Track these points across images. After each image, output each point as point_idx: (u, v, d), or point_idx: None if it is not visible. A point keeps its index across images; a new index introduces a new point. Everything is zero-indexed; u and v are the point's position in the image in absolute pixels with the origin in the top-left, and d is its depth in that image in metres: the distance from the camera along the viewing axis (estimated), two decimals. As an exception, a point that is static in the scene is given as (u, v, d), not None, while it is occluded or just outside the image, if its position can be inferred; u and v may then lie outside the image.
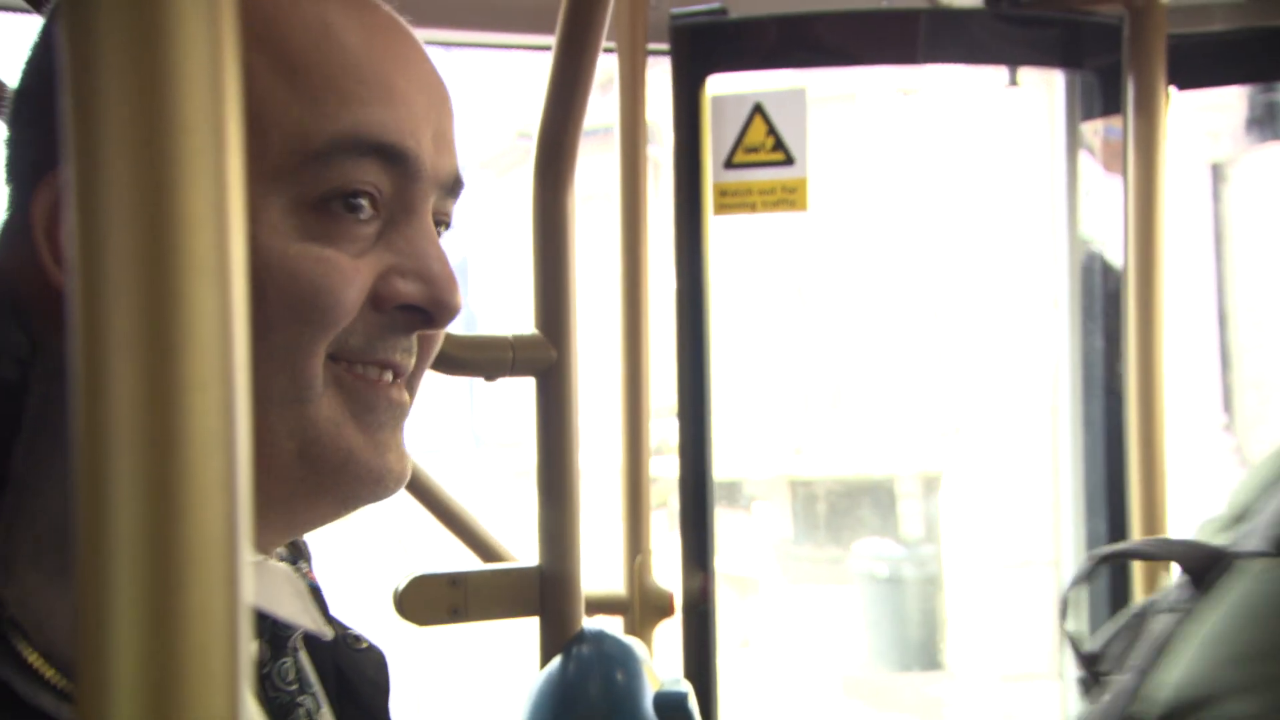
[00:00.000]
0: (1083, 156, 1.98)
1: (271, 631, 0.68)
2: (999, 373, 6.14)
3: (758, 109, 1.89)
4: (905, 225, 6.85)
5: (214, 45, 0.32)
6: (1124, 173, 1.80)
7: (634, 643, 1.32)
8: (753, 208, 1.93)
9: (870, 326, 7.04)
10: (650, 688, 1.25)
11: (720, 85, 1.90)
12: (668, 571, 1.81)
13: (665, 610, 1.74)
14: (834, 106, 6.62)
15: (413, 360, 0.66)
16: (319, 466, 0.61)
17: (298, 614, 0.65)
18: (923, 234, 6.78)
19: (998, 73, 2.00)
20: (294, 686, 0.68)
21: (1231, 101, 4.91)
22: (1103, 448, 1.94)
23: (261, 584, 0.63)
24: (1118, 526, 1.88)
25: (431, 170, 0.65)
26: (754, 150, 1.91)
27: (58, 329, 0.57)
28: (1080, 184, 1.97)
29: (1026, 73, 1.98)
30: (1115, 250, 1.92)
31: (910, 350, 7.03)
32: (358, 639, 0.77)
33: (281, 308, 0.60)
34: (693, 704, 1.21)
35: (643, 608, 1.71)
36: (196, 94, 0.32)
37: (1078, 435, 1.95)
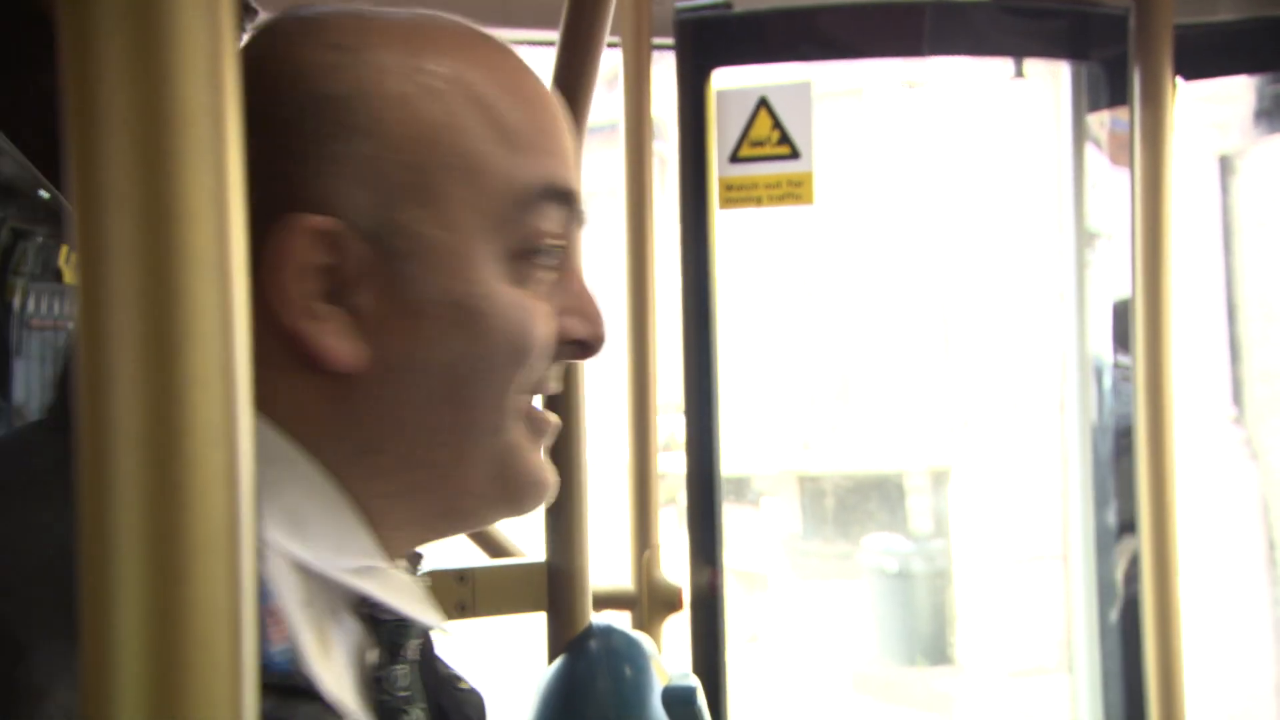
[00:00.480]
0: (1089, 149, 1.98)
1: (390, 639, 0.71)
2: (1007, 366, 6.13)
3: (763, 103, 1.89)
4: (912, 219, 6.84)
5: (214, 40, 0.32)
6: (1130, 164, 1.79)
7: (642, 638, 1.32)
8: (758, 202, 1.93)
9: (879, 320, 7.04)
10: (658, 682, 1.25)
11: (725, 79, 1.90)
12: (676, 566, 1.81)
13: (674, 605, 1.74)
14: (840, 102, 6.61)
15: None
16: (506, 486, 0.70)
17: (421, 613, 0.70)
18: (930, 227, 6.77)
19: (1004, 65, 2.00)
20: (405, 693, 0.71)
21: (1239, 93, 4.90)
22: (1111, 441, 1.94)
23: (388, 586, 0.69)
24: (1126, 520, 1.88)
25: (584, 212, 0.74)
26: (759, 144, 1.91)
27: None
28: (1086, 176, 1.97)
29: (1032, 64, 1.98)
30: (1122, 243, 1.91)
31: (919, 344, 7.02)
32: (460, 679, 0.80)
33: (499, 350, 0.67)
34: (701, 699, 1.20)
35: (651, 603, 1.71)
36: (196, 89, 0.32)
37: (1085, 429, 1.94)
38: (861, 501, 7.91)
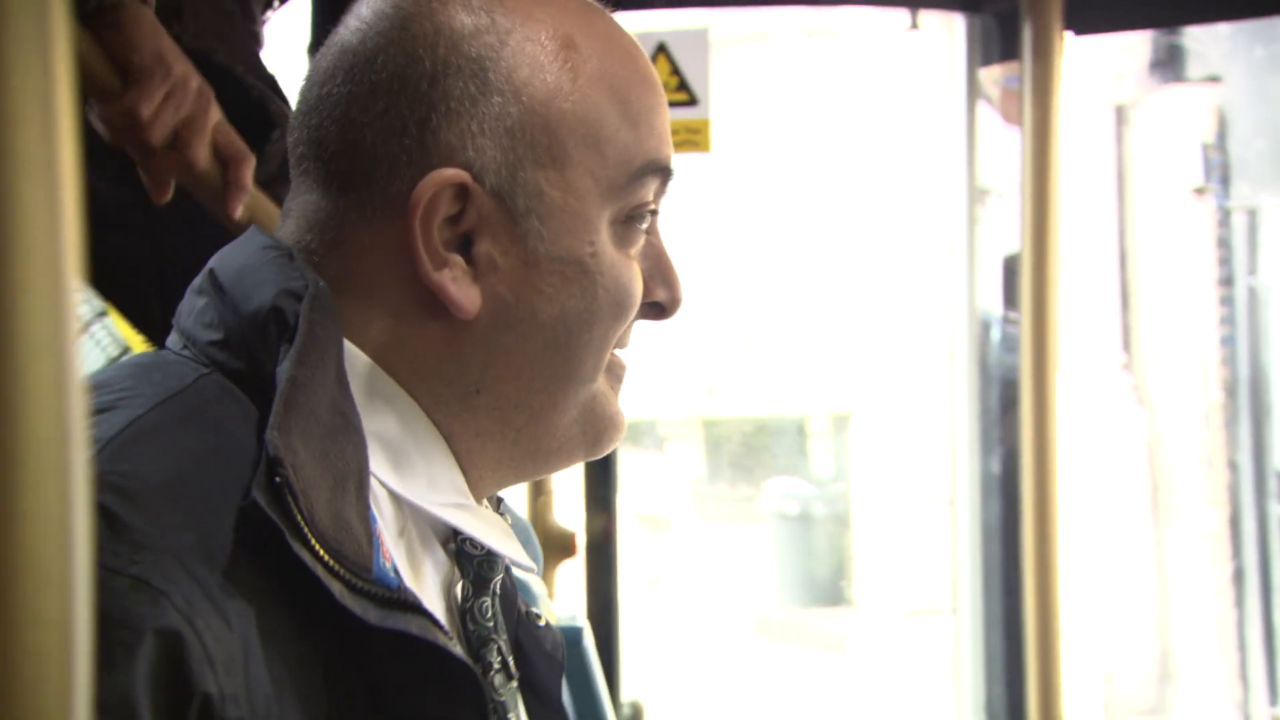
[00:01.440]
0: (982, 106, 2.01)
1: (475, 572, 0.76)
2: (906, 315, 6.23)
3: (661, 48, 1.89)
4: (813, 168, 6.89)
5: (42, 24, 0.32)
6: (1021, 117, 1.83)
7: (530, 580, 1.33)
8: (656, 149, 1.93)
9: (783, 268, 7.10)
10: (547, 626, 1.27)
11: (622, 23, 1.89)
12: (571, 512, 1.84)
13: (567, 550, 1.76)
14: (747, 47, 6.61)
15: None
16: (589, 430, 0.76)
17: (511, 550, 0.75)
18: (830, 178, 6.82)
19: (902, 16, 2.02)
20: (491, 623, 0.76)
21: (1135, 44, 4.99)
22: (997, 388, 1.99)
23: (479, 523, 0.74)
24: (1010, 465, 1.94)
25: None
26: (657, 91, 1.92)
27: (354, 285, 0.71)
28: (978, 132, 2.00)
29: (928, 17, 2.00)
30: (1013, 200, 1.96)
31: (822, 292, 7.10)
32: (539, 616, 0.84)
33: (605, 306, 0.73)
34: (589, 640, 1.23)
35: (545, 548, 1.73)
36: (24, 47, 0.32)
37: (973, 376, 1.99)
38: (765, 446, 8.01)
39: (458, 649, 0.67)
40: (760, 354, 7.82)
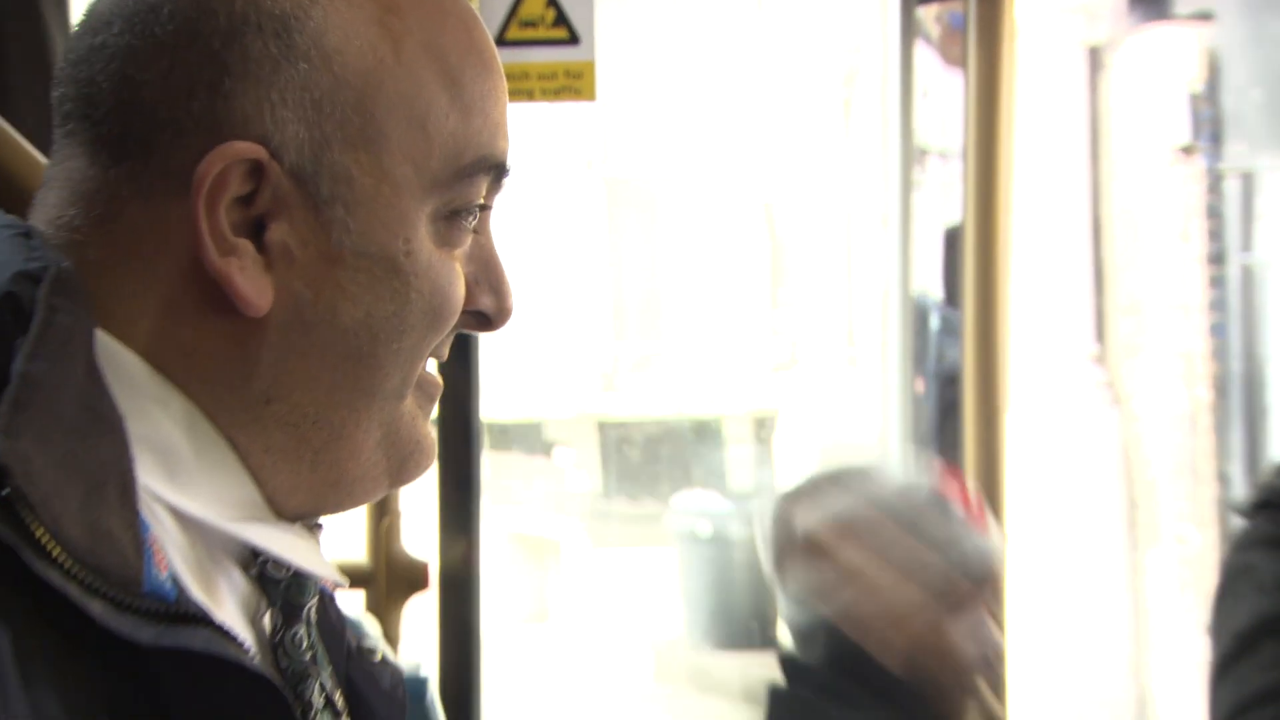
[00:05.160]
0: (920, 49, 2.06)
1: (284, 598, 0.78)
2: (835, 299, 6.30)
3: (536, -26, 1.91)
4: (727, 122, 6.94)
5: None
6: (964, 64, 1.87)
7: (365, 621, 1.35)
8: (530, 95, 1.94)
9: (694, 237, 7.15)
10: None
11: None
12: (423, 538, 1.84)
13: (417, 583, 1.77)
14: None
15: None
16: (392, 455, 0.78)
17: (315, 564, 0.77)
18: (747, 131, 6.88)
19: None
20: (308, 655, 0.78)
21: (1113, -24, 5.10)
22: (936, 386, 2.04)
23: (279, 536, 0.76)
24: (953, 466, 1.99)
25: None
26: (531, 25, 1.93)
27: (124, 270, 0.73)
28: (915, 78, 2.04)
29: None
30: (954, 157, 2.00)
31: (739, 270, 7.16)
32: (373, 651, 0.88)
33: (419, 313, 0.75)
34: (433, 694, 1.24)
35: (390, 580, 1.74)
36: None
37: (906, 372, 2.04)
38: (673, 453, 8.06)
39: (253, 661, 0.69)
40: (667, 343, 7.86)
